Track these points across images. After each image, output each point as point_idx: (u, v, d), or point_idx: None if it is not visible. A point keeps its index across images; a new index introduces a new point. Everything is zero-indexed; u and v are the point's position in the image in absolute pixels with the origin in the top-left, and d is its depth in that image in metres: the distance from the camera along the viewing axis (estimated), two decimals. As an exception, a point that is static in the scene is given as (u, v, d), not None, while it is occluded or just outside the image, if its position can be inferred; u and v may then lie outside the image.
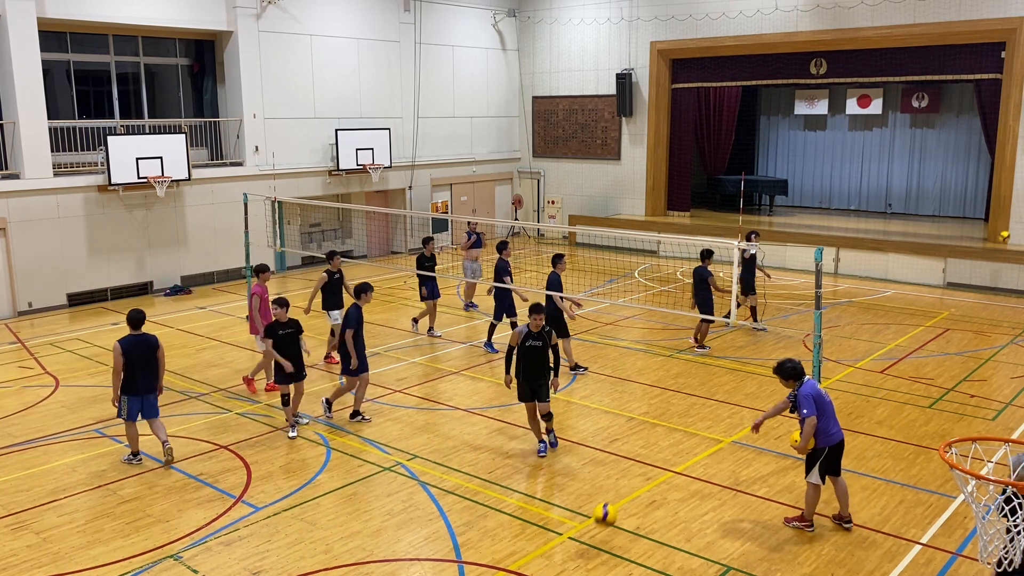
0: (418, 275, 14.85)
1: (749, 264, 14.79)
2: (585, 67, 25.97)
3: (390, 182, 23.78)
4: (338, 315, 12.87)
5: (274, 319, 10.54)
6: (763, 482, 9.08)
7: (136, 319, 9.55)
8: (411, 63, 23.98)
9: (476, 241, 16.91)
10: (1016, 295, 18.28)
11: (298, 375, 10.53)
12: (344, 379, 10.94)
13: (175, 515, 8.44)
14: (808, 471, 7.93)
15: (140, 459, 9.71)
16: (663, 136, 24.91)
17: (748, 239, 14.88)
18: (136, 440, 9.69)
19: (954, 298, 18.14)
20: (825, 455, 7.80)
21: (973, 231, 22.08)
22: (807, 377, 7.92)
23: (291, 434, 10.45)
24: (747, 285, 14.82)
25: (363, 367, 10.75)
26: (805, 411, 7.64)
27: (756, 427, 8.31)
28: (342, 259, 13.55)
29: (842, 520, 8.13)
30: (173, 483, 9.17)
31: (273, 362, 10.58)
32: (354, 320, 10.57)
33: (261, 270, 12.37)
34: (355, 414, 10.98)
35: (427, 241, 15.22)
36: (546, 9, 26.43)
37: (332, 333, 12.98)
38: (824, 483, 7.92)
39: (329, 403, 11.09)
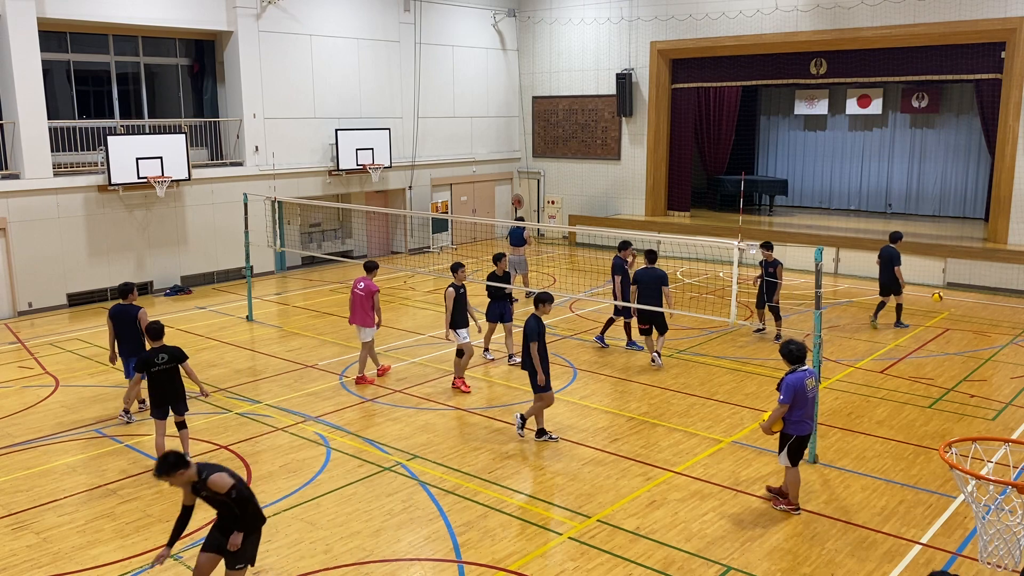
0: (489, 290, 13.40)
1: (887, 265, 15.12)
2: (585, 67, 25.97)
3: (390, 182, 23.78)
4: (466, 333, 12.06)
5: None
6: (763, 482, 9.07)
7: (121, 290, 10.94)
8: (411, 63, 23.98)
9: (519, 237, 17.13)
10: (1016, 295, 18.28)
11: (169, 411, 9.40)
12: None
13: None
14: (779, 452, 8.41)
15: (130, 419, 10.96)
16: (663, 136, 24.91)
17: (893, 241, 15.38)
18: (130, 399, 10.94)
19: (954, 298, 18.13)
20: (793, 441, 8.24)
21: (973, 231, 22.08)
22: (803, 367, 8.22)
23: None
24: (886, 287, 15.24)
25: (548, 384, 10.05)
26: (781, 397, 8.13)
27: None
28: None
29: (779, 494, 8.59)
30: (173, 483, 9.15)
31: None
32: (535, 331, 9.88)
33: (375, 266, 12.62)
34: (541, 432, 10.25)
35: (499, 258, 13.52)
36: (546, 9, 26.43)
37: (459, 353, 12.10)
38: (794, 465, 8.33)
39: (523, 419, 10.34)
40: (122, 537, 8.01)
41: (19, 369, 13.52)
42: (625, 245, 14.01)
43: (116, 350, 10.85)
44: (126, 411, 11.02)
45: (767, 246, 14.33)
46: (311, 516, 8.38)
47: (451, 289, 11.97)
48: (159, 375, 9.21)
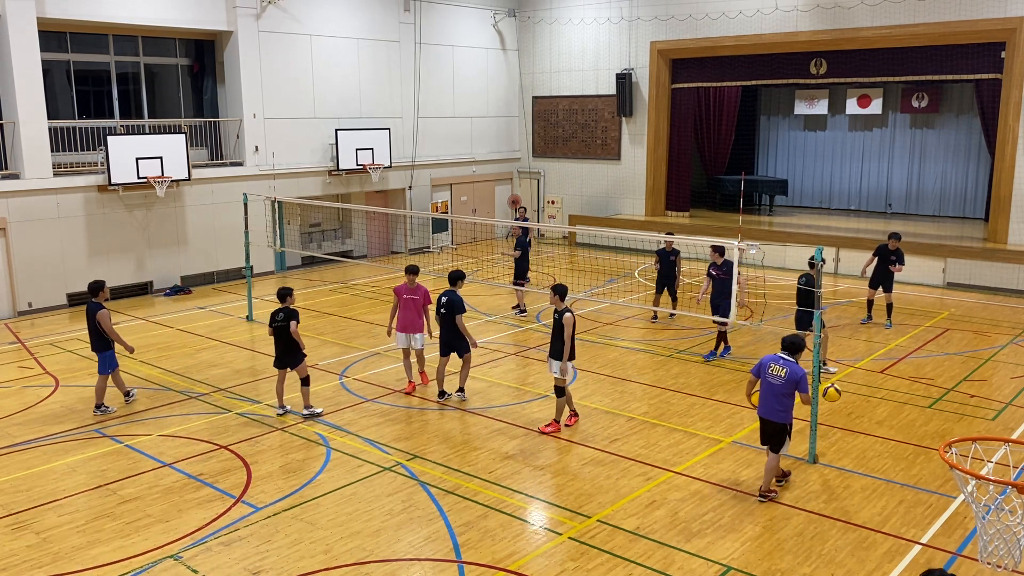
0: (800, 295, 11.97)
1: (884, 259, 15.38)
2: (585, 67, 25.97)
3: (390, 182, 23.78)
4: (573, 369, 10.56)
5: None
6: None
7: (89, 287, 11.32)
8: (411, 63, 23.98)
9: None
10: (1016, 295, 18.28)
11: (281, 363, 11.08)
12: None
13: (175, 515, 8.44)
14: None
15: (104, 410, 11.30)
16: (663, 136, 24.91)
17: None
18: (98, 394, 11.31)
19: (954, 298, 18.13)
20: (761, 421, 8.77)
21: (973, 231, 22.09)
22: (781, 355, 8.55)
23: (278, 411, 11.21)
24: (881, 280, 15.43)
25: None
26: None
27: None
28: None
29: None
30: (173, 483, 9.17)
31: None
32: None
33: (417, 270, 12.08)
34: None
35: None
36: (546, 9, 26.43)
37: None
38: (774, 452, 8.64)
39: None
40: (122, 537, 8.01)
41: (19, 369, 13.52)
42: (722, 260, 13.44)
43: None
44: (97, 406, 11.32)
45: (669, 235, 15.37)
46: (311, 516, 8.38)
47: (568, 314, 10.23)
48: (276, 331, 10.85)
